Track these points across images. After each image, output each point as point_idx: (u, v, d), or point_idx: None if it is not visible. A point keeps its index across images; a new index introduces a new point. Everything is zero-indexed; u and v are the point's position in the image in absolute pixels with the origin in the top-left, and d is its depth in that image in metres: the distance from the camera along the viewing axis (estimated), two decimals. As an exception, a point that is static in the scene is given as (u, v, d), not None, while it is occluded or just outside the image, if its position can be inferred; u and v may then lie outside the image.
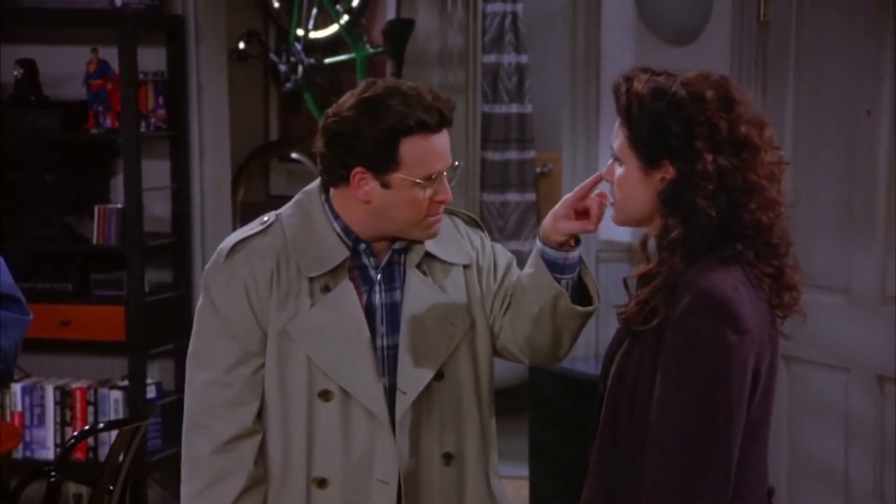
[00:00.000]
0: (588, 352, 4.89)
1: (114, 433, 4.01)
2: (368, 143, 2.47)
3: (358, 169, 2.48)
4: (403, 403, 2.54)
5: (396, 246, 2.59)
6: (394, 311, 2.58)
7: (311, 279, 2.53)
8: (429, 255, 2.61)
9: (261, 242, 2.56)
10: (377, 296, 2.57)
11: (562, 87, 5.03)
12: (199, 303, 2.60)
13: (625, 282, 2.30)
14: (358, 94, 2.50)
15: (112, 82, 4.91)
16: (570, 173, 4.96)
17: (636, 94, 2.21)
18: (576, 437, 4.46)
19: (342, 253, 2.54)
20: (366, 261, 2.57)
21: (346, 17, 5.87)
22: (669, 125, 2.18)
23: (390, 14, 6.00)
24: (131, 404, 4.89)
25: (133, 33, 4.81)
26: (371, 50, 5.87)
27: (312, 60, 5.83)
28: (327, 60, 5.88)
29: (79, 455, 4.93)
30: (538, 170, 7.26)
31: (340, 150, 2.50)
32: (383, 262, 2.58)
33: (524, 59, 7.09)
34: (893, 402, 3.89)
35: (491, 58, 7.00)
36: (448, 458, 2.60)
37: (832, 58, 4.04)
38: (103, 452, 4.73)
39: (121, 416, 4.89)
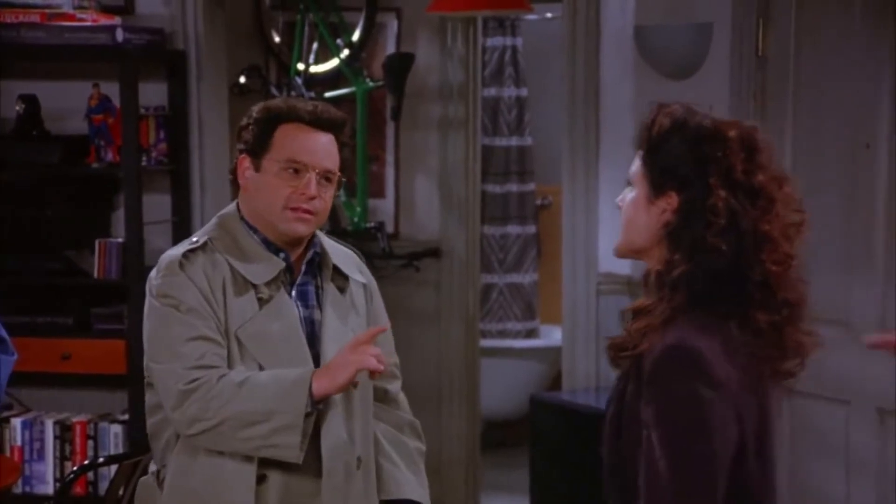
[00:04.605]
0: (588, 384, 4.89)
1: (114, 467, 4.00)
2: (253, 129, 2.75)
3: (243, 156, 2.78)
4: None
5: (309, 256, 2.77)
6: (311, 325, 2.75)
7: (256, 289, 2.70)
8: (337, 271, 2.81)
9: (204, 256, 2.71)
10: (300, 311, 2.76)
11: (561, 121, 5.05)
12: (153, 310, 2.69)
13: (622, 314, 2.31)
14: None
15: (113, 117, 4.92)
16: (570, 205, 4.98)
17: (660, 121, 2.23)
18: (577, 470, 4.45)
19: (277, 263, 2.73)
20: (283, 279, 2.75)
21: (346, 52, 5.88)
22: (681, 155, 2.19)
23: (390, 48, 6.02)
24: (131, 438, 4.87)
25: (134, 68, 4.82)
26: (371, 84, 5.89)
27: (313, 94, 5.83)
28: (328, 94, 5.88)
29: (78, 489, 4.90)
30: (538, 202, 7.27)
31: (238, 143, 2.80)
32: (298, 281, 2.76)
33: (524, 92, 7.12)
34: (894, 434, 3.89)
35: (491, 91, 7.03)
36: (359, 461, 2.76)
37: (831, 92, 4.06)
38: (103, 487, 4.71)
39: (121, 450, 4.87)
